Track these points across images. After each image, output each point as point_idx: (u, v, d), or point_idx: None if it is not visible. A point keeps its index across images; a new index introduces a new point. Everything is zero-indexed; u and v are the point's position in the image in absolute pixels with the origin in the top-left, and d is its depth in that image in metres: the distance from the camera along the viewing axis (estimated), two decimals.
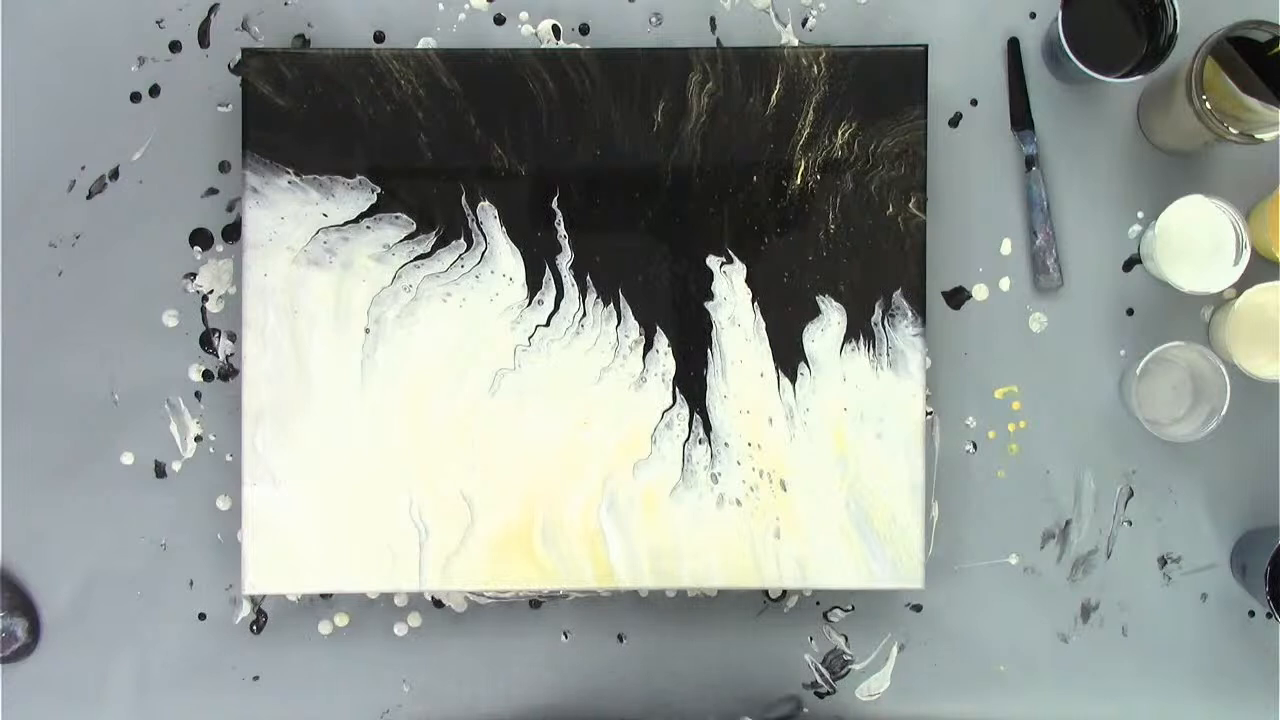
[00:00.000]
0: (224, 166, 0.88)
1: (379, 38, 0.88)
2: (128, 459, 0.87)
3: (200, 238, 0.88)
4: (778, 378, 0.83)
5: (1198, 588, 0.87)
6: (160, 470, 0.87)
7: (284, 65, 0.82)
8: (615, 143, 0.83)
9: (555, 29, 0.88)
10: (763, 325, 0.82)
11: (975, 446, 0.88)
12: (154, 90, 0.88)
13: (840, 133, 0.82)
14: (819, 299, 0.83)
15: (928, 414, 0.87)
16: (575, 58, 0.82)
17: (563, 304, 0.82)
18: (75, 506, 0.87)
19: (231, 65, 0.87)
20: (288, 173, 0.82)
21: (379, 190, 0.82)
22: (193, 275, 0.88)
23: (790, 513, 0.82)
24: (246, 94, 0.82)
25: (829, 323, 0.83)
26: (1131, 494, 0.88)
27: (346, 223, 0.82)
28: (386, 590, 0.85)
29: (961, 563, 0.88)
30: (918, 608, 0.88)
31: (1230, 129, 0.78)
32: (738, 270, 0.83)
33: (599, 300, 0.82)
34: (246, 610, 0.88)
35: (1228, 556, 0.87)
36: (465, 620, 0.88)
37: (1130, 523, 0.87)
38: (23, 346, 0.87)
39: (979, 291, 0.88)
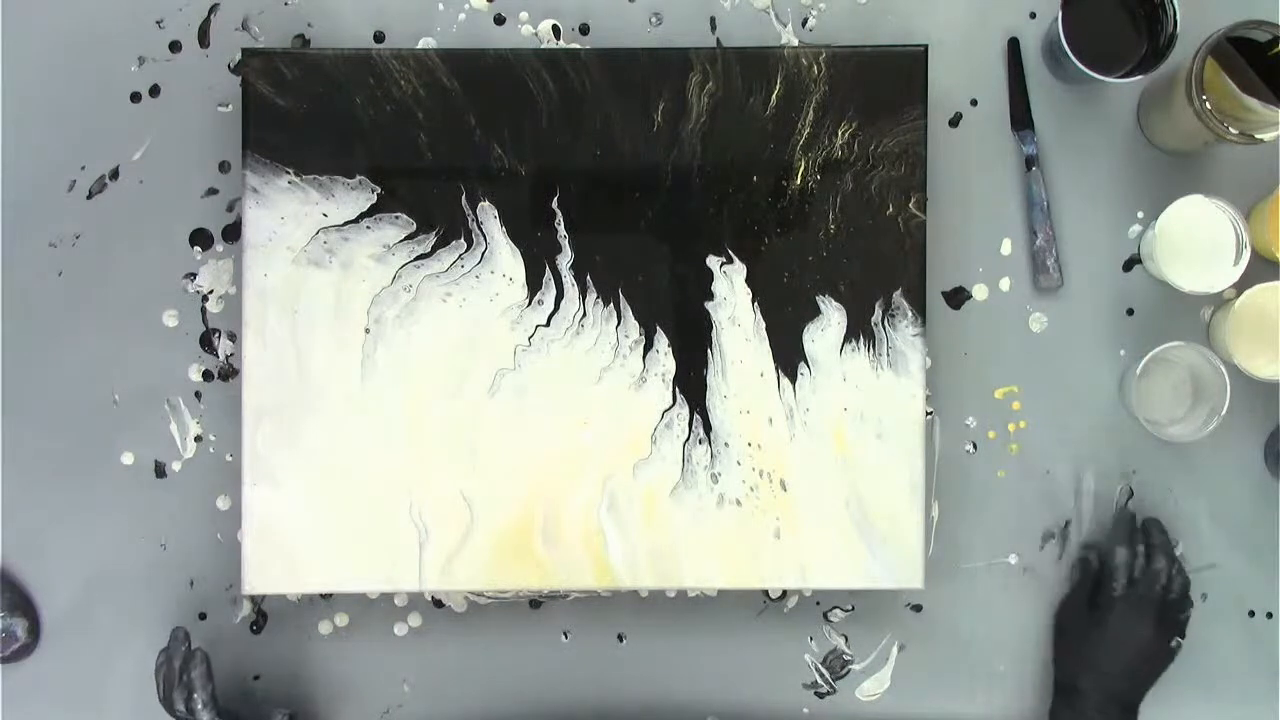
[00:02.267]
0: (224, 166, 0.88)
1: (379, 38, 0.88)
2: (128, 459, 0.87)
3: (200, 238, 0.88)
4: (778, 378, 0.83)
5: (1198, 588, 0.87)
6: (160, 470, 0.88)
7: (284, 65, 0.82)
8: (615, 143, 0.83)
9: (555, 29, 0.88)
10: (763, 325, 0.82)
11: (975, 446, 0.88)
12: (154, 90, 0.88)
13: (840, 133, 0.82)
14: (819, 299, 0.83)
15: (928, 414, 0.87)
16: (575, 58, 0.82)
17: (563, 304, 0.82)
18: (75, 506, 0.87)
19: (231, 65, 0.87)
20: (288, 173, 0.82)
21: (379, 190, 0.82)
22: (193, 275, 0.88)
23: (790, 513, 0.82)
24: (246, 94, 0.82)
25: (829, 323, 0.83)
26: (1131, 494, 0.88)
27: (346, 223, 0.82)
28: (386, 590, 0.85)
29: (961, 563, 0.88)
30: (918, 608, 0.88)
31: (1230, 129, 0.78)
32: (738, 270, 0.83)
33: (599, 300, 0.82)
34: (246, 610, 0.88)
35: (1231, 556, 0.87)
36: (465, 620, 0.88)
37: None
38: (23, 346, 0.87)
39: (979, 291, 0.88)
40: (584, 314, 0.82)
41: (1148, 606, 0.82)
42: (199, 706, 0.79)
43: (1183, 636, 0.83)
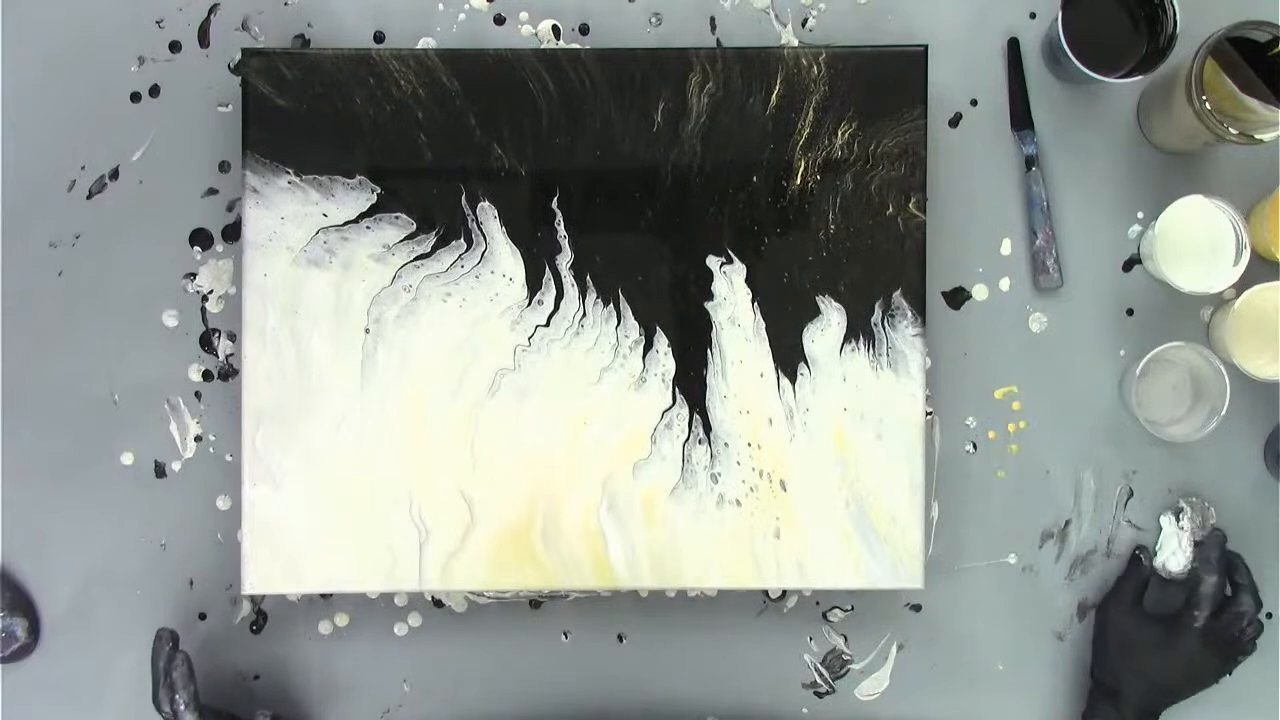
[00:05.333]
0: (224, 166, 0.88)
1: (379, 38, 0.88)
2: (128, 459, 0.87)
3: (200, 238, 0.88)
4: (778, 378, 0.83)
5: None
6: (160, 470, 0.88)
7: (284, 65, 0.82)
8: (615, 143, 0.83)
9: (555, 29, 0.88)
10: (763, 325, 0.82)
11: (975, 446, 0.88)
12: (154, 90, 0.88)
13: (840, 133, 0.82)
14: (819, 299, 0.83)
15: (928, 414, 0.87)
16: (575, 58, 0.82)
17: (563, 304, 0.82)
18: (75, 506, 0.87)
19: (231, 65, 0.87)
20: (288, 173, 0.82)
21: (379, 190, 0.82)
22: (193, 275, 0.88)
23: (790, 513, 0.82)
24: (246, 94, 0.82)
25: (829, 323, 0.83)
26: (1131, 494, 0.88)
27: (346, 223, 0.82)
28: (386, 590, 0.85)
29: (961, 563, 0.88)
30: (917, 608, 0.88)
31: (1230, 129, 0.78)
32: (738, 270, 0.83)
33: (599, 300, 0.82)
34: (246, 610, 0.88)
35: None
36: (465, 620, 0.88)
37: (1130, 522, 0.87)
38: (23, 346, 0.87)
39: (979, 291, 0.88)
40: (584, 314, 0.82)
41: (1223, 644, 0.81)
42: (181, 707, 0.80)
43: (1230, 672, 0.83)
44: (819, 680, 0.88)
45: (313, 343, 0.82)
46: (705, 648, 0.88)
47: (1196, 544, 0.85)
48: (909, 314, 0.82)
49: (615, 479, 0.82)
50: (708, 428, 0.82)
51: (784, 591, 0.88)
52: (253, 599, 0.88)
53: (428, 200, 0.82)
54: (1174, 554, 0.85)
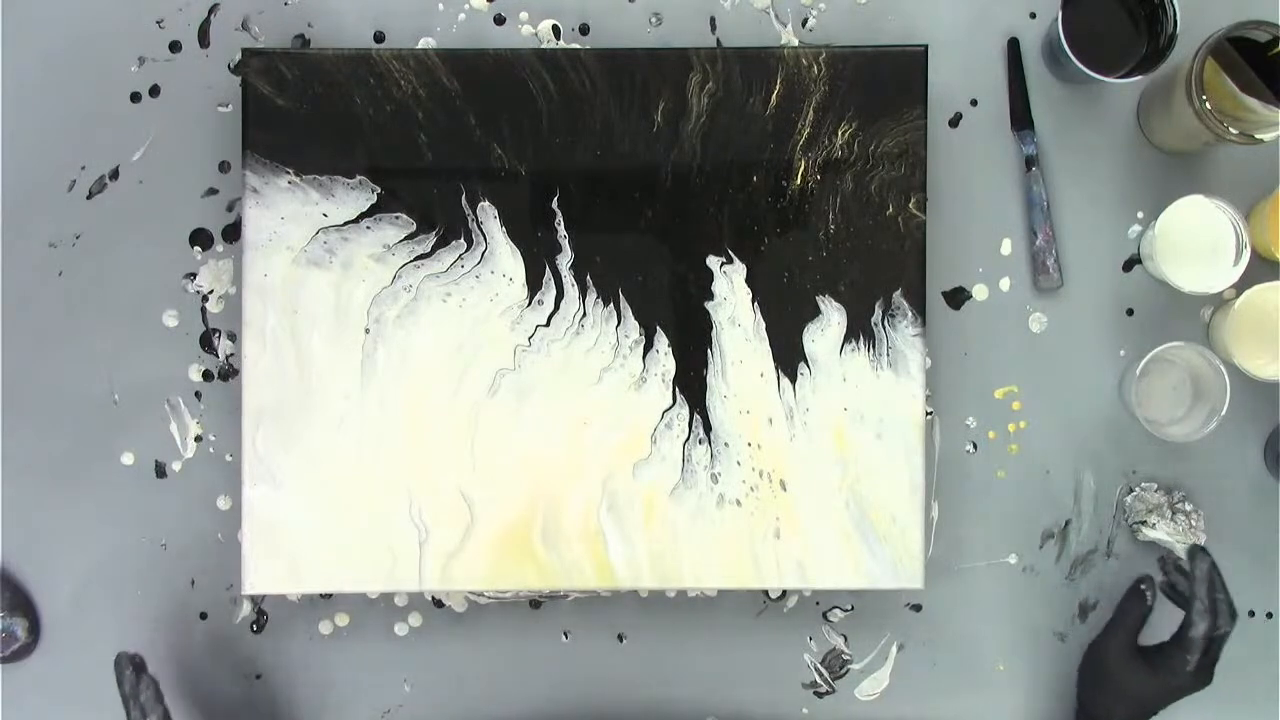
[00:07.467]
0: (224, 166, 0.88)
1: (379, 38, 0.88)
2: (128, 459, 0.87)
3: (200, 238, 0.88)
4: (778, 378, 0.83)
5: None
6: (160, 470, 0.88)
7: (284, 65, 0.82)
8: (615, 143, 0.83)
9: (555, 29, 0.88)
10: (763, 325, 0.82)
11: (975, 446, 0.88)
12: (154, 90, 0.88)
13: (840, 133, 0.82)
14: (819, 299, 0.83)
15: (928, 414, 0.87)
16: (575, 58, 0.82)
17: (563, 304, 0.82)
18: (75, 506, 0.87)
19: (231, 65, 0.87)
20: (288, 173, 0.82)
21: (379, 190, 0.82)
22: (193, 275, 0.88)
23: (790, 513, 0.82)
24: (246, 94, 0.82)
25: (829, 323, 0.83)
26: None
27: (346, 223, 0.82)
28: (386, 590, 0.85)
29: (961, 563, 0.88)
30: (917, 608, 0.88)
31: (1230, 129, 0.78)
32: (738, 270, 0.83)
33: (599, 300, 0.82)
34: (246, 610, 0.88)
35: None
36: (465, 620, 0.88)
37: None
38: (23, 346, 0.87)
39: (979, 291, 0.88)
40: (584, 314, 0.82)
41: (1206, 672, 0.79)
42: None
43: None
44: (819, 680, 0.88)
45: (313, 343, 0.82)
46: (705, 648, 0.88)
47: (1185, 573, 0.82)
48: (909, 314, 0.83)
49: (615, 479, 0.82)
50: (708, 428, 0.82)
51: (784, 591, 0.88)
52: (253, 599, 0.88)
53: (428, 200, 0.82)
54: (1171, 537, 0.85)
